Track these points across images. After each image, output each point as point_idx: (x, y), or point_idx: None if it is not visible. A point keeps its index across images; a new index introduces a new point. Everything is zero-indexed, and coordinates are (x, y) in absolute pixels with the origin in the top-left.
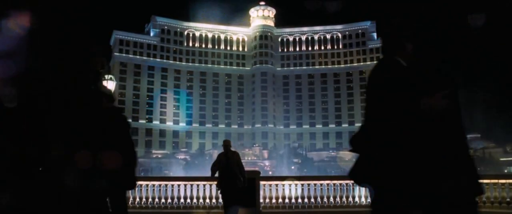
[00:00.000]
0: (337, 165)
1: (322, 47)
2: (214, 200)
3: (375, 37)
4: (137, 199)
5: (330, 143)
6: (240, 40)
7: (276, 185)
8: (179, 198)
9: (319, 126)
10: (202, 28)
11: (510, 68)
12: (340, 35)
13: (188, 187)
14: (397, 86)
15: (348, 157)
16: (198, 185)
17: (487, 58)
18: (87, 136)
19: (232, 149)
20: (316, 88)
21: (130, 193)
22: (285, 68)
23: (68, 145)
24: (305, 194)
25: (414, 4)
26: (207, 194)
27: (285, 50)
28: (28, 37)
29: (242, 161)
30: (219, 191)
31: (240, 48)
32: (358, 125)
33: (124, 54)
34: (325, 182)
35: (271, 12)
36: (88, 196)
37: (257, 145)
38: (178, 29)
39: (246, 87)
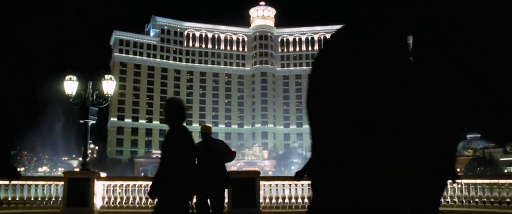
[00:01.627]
0: None
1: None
2: None
3: None
4: (137, 199)
5: None
6: (240, 40)
7: (276, 185)
8: None
9: None
10: (202, 28)
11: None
12: None
13: None
14: None
15: None
16: None
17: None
18: None
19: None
20: None
21: (130, 194)
22: (285, 68)
23: None
24: (305, 194)
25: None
26: None
27: (285, 50)
28: None
29: (242, 161)
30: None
31: (240, 48)
32: None
33: (124, 54)
34: None
35: (271, 12)
36: None
37: (257, 145)
38: (178, 29)
39: (246, 87)
